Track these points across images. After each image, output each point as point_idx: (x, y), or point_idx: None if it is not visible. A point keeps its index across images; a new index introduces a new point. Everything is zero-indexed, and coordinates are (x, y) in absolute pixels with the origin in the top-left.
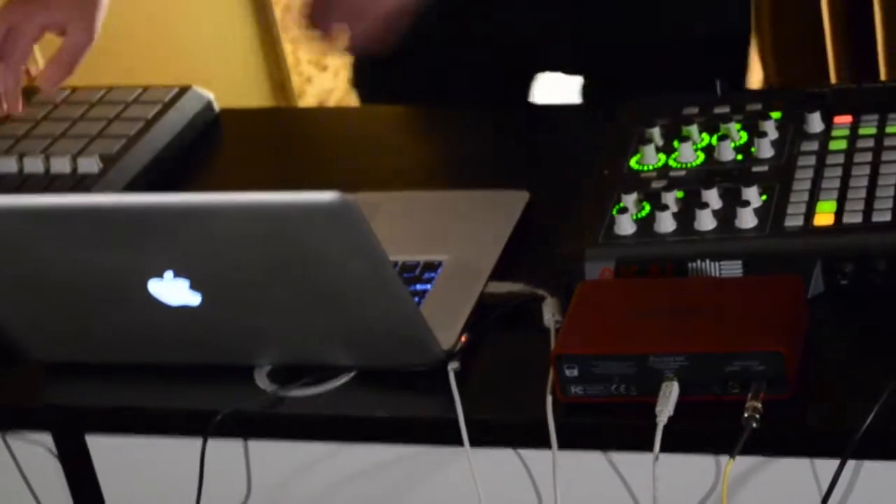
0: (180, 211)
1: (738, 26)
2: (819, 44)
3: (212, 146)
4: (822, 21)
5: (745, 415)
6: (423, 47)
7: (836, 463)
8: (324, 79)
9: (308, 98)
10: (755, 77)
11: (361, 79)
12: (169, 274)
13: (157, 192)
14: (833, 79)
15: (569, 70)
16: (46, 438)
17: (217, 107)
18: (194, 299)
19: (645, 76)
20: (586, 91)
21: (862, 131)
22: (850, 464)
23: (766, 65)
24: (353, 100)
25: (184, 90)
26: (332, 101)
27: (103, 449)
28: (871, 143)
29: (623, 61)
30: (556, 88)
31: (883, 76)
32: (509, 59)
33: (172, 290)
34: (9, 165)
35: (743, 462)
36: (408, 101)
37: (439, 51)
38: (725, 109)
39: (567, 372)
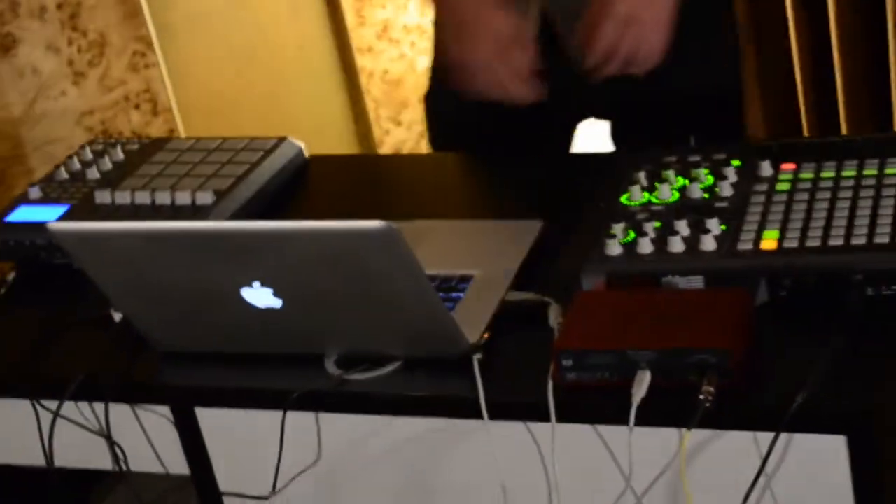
0: (266, 235)
1: (729, 87)
2: (794, 106)
3: (301, 185)
4: (795, 86)
5: (701, 397)
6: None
7: (772, 435)
8: (399, 132)
9: (386, 147)
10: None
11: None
12: (257, 284)
13: (250, 220)
14: (805, 130)
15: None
16: (165, 410)
17: (307, 153)
18: (277, 303)
19: (655, 127)
20: (615, 135)
21: (802, 176)
22: (784, 436)
23: (750, 123)
24: (422, 149)
25: (281, 140)
26: (405, 150)
27: (209, 418)
28: (808, 185)
29: (640, 112)
30: (591, 137)
31: (844, 131)
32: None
33: (260, 296)
34: (143, 198)
35: (698, 434)
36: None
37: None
38: (697, 158)
39: (565, 362)
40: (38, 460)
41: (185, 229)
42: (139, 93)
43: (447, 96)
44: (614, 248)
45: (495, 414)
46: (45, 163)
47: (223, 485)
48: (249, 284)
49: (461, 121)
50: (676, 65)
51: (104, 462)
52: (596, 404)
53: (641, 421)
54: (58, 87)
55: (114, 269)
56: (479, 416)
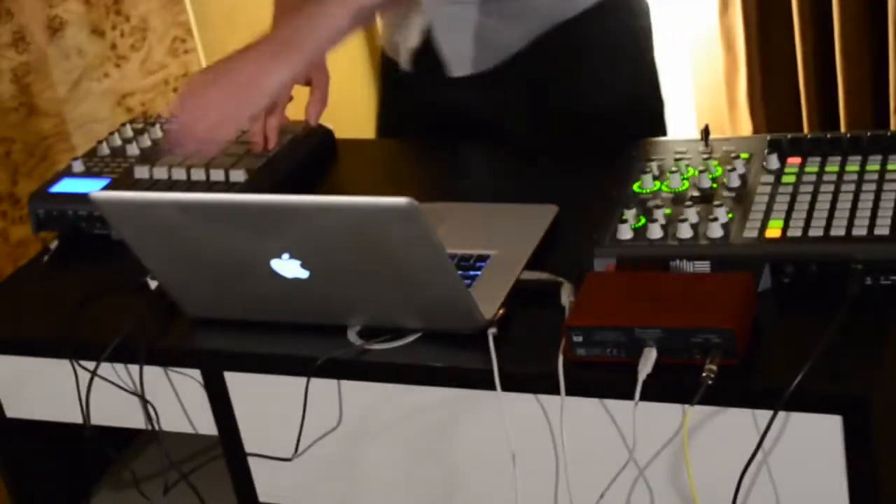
0: (295, 208)
1: (649, 98)
2: (796, 102)
3: (330, 166)
4: (798, 84)
5: (703, 374)
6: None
7: (770, 413)
8: None
9: None
10: (747, 129)
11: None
12: (286, 255)
13: (278, 194)
14: (806, 129)
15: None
16: (196, 373)
17: (335, 136)
18: (304, 274)
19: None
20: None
21: (807, 170)
22: (782, 414)
23: (755, 117)
24: None
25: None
26: None
27: (237, 382)
28: (813, 178)
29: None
30: None
31: (843, 128)
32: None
33: (288, 267)
34: (179, 174)
35: (701, 410)
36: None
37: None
38: (707, 150)
39: (575, 338)
40: (76, 417)
41: (221, 201)
42: (178, 77)
43: (396, 82)
44: (626, 233)
45: (508, 386)
46: (87, 141)
47: (249, 446)
48: (279, 256)
49: (408, 110)
50: (587, 80)
51: (137, 421)
52: (603, 379)
53: (646, 396)
54: (101, 70)
55: (151, 238)
56: (492, 387)
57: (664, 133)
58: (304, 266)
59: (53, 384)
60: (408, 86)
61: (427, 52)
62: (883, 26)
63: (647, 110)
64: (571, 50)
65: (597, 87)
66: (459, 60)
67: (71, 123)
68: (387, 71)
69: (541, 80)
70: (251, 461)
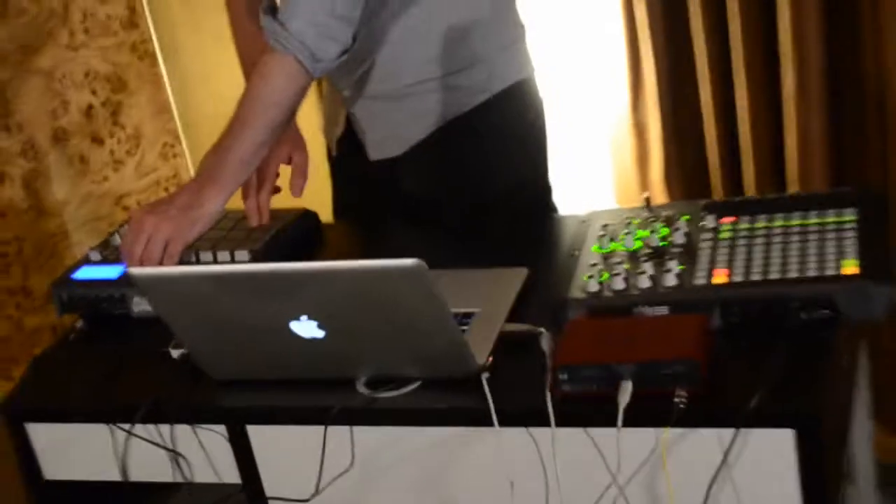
0: (314, 273)
1: (537, 183)
2: (706, 175)
3: (316, 243)
4: (706, 160)
5: (676, 400)
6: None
7: (733, 431)
8: None
9: None
10: (663, 201)
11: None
12: (305, 317)
13: (295, 262)
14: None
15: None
16: (221, 429)
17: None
18: (320, 334)
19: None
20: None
21: (740, 226)
22: (743, 431)
23: (671, 191)
24: None
25: (300, 210)
26: None
27: (259, 434)
28: (746, 233)
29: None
30: None
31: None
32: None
33: (306, 328)
34: (188, 256)
35: (672, 432)
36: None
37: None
38: (652, 216)
39: (561, 376)
40: (112, 476)
41: (246, 270)
42: (168, 178)
43: (352, 165)
44: (593, 286)
45: (502, 422)
46: (90, 237)
47: (269, 490)
48: (298, 318)
49: (364, 193)
50: (480, 165)
51: (167, 475)
52: (587, 410)
53: (627, 423)
54: (101, 174)
55: (181, 308)
56: (488, 424)
57: (553, 212)
58: (320, 326)
59: (88, 447)
60: (342, 166)
61: (352, 138)
62: (779, 114)
63: (535, 192)
64: (467, 139)
65: (488, 171)
66: (375, 146)
67: (74, 222)
68: (329, 155)
69: (441, 163)
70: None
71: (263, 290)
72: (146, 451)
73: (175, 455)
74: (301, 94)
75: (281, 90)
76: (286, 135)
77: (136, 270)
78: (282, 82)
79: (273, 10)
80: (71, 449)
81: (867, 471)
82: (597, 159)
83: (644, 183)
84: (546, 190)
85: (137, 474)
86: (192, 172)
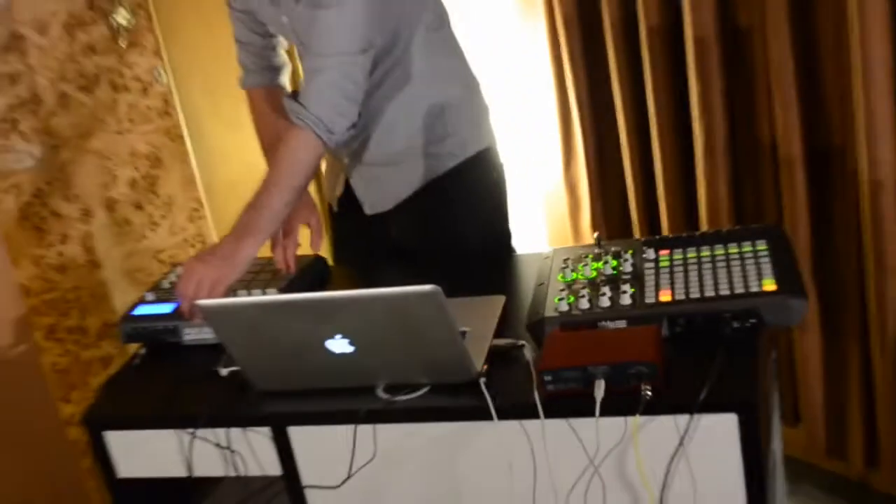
0: (348, 299)
1: (501, 231)
2: (628, 224)
3: (326, 282)
4: (630, 211)
5: (642, 393)
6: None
7: (688, 417)
8: None
9: None
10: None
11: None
12: (339, 336)
13: (329, 292)
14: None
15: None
16: (266, 430)
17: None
18: (350, 349)
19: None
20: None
21: (675, 257)
22: (696, 416)
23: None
24: None
25: (313, 256)
26: None
27: (299, 434)
28: (681, 262)
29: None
30: None
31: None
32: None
33: (339, 345)
34: (229, 294)
35: (643, 419)
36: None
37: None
38: (602, 250)
39: (546, 378)
40: (177, 472)
41: (291, 300)
42: (195, 236)
43: (350, 219)
44: (563, 306)
45: (500, 415)
46: (134, 285)
47: (305, 480)
48: (332, 337)
49: (360, 241)
50: (453, 217)
51: (221, 469)
52: (569, 405)
53: (603, 413)
54: (141, 233)
55: (236, 331)
56: (489, 418)
57: (512, 254)
58: (351, 343)
59: (156, 449)
60: (342, 220)
61: (350, 197)
62: (691, 174)
63: (499, 237)
64: (443, 195)
65: (461, 222)
66: (370, 203)
67: (120, 273)
68: (329, 211)
69: (423, 216)
70: (307, 492)
71: (306, 315)
72: (203, 450)
73: (231, 452)
74: (318, 161)
75: (302, 158)
76: (303, 201)
77: (204, 301)
78: (303, 151)
79: (294, 95)
80: (140, 451)
81: (778, 458)
82: (534, 212)
83: (576, 231)
84: (507, 235)
85: (198, 470)
86: (213, 231)
